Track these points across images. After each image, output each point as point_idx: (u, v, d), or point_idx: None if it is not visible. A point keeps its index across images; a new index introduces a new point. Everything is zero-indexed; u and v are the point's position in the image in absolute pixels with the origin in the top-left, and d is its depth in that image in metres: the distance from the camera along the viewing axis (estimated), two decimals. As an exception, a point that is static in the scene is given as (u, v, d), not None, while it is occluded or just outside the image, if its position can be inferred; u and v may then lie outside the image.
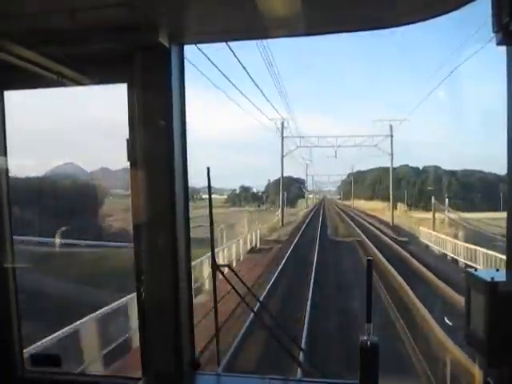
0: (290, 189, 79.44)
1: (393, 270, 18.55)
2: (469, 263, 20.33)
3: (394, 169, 62.01)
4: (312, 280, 17.37)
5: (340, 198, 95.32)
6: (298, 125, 53.13)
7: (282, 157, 54.20)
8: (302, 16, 2.14)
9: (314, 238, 31.04)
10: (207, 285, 14.50)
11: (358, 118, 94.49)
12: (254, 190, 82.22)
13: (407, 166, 71.53)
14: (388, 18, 2.18)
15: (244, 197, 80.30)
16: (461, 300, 11.25)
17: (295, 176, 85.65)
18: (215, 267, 2.40)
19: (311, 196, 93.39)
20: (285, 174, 79.64)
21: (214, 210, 2.53)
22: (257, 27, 2.30)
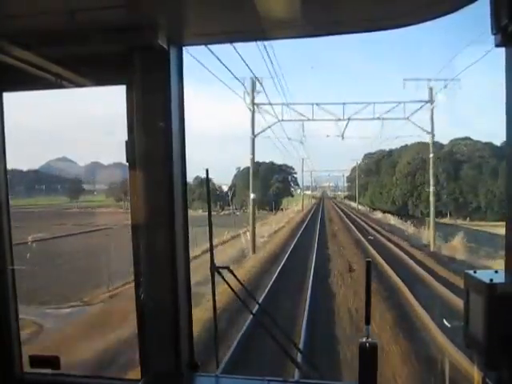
0: (271, 182, 56.91)
1: None
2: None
3: (441, 146, 41.08)
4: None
5: (347, 197, 66.13)
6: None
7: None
8: (302, 17, 2.14)
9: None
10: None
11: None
12: (217, 185, 52.83)
13: (469, 138, 43.61)
14: (388, 19, 2.18)
15: (199, 194, 46.05)
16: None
17: (279, 162, 58.59)
18: (214, 269, 2.40)
19: (309, 192, 67.60)
20: (266, 160, 55.90)
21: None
22: (256, 28, 2.29)
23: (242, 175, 56.29)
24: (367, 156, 53.63)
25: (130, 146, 2.38)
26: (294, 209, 55.35)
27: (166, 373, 2.42)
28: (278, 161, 59.34)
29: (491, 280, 1.75)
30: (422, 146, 42.28)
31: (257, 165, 58.26)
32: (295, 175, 60.24)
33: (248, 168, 59.32)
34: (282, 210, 54.77)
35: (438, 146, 41.91)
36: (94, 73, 2.41)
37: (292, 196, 60.72)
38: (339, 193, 75.40)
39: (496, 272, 1.85)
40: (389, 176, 48.16)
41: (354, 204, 59.46)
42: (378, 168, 50.65)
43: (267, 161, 58.29)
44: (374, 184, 52.16)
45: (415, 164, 44.90)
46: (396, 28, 2.24)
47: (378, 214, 47.08)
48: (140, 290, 2.41)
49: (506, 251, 1.96)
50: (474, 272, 1.85)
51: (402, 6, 2.07)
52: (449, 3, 1.99)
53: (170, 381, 2.46)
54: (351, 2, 2.08)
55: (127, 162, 2.39)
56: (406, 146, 47.41)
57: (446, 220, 41.29)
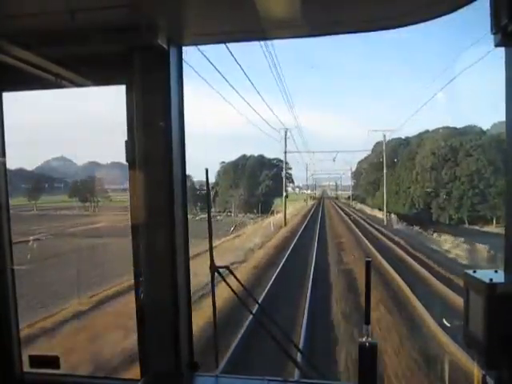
0: (260, 179, 47.28)
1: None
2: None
3: (481, 131, 32.12)
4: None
5: (354, 197, 51.74)
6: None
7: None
8: (302, 17, 2.14)
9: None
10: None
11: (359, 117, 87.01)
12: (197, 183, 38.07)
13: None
14: (388, 19, 2.18)
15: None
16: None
17: (270, 156, 48.69)
18: (213, 268, 2.40)
19: (307, 192, 57.86)
20: (255, 153, 47.42)
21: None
22: (256, 28, 2.29)
23: (225, 172, 47.33)
24: (379, 145, 39.32)
25: (129, 145, 2.38)
26: (272, 221, 34.08)
27: (165, 373, 2.42)
28: (270, 154, 48.35)
29: (491, 280, 1.75)
30: (448, 131, 31.86)
31: (243, 159, 48.04)
32: (290, 171, 48.11)
33: (233, 163, 48.05)
34: (272, 213, 42.31)
35: (474, 131, 32.64)
36: (94, 73, 2.41)
37: (287, 196, 46.67)
38: (340, 192, 65.30)
39: (496, 272, 1.85)
40: (407, 170, 35.97)
41: (368, 209, 42.81)
42: (392, 160, 37.65)
43: (256, 154, 48.39)
44: (387, 182, 38.67)
45: (442, 154, 32.95)
46: (396, 28, 2.24)
47: (448, 245, 24.22)
48: (140, 290, 2.41)
49: (505, 251, 1.96)
50: (474, 271, 1.85)
51: (402, 6, 2.07)
52: (448, 3, 1.99)
53: (170, 381, 2.46)
54: (351, 2, 2.09)
55: (127, 161, 2.40)
56: (428, 131, 35.57)
57: (493, 228, 31.01)
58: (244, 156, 49.27)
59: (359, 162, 48.77)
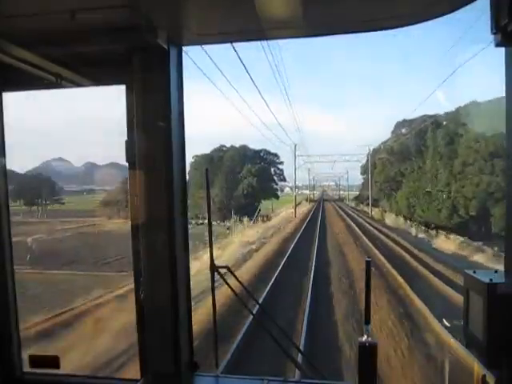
0: (240, 175, 37.34)
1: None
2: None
3: None
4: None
5: (369, 200, 35.80)
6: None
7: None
8: (302, 17, 2.14)
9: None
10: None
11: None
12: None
13: None
14: (388, 19, 2.19)
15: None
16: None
17: (257, 147, 38.61)
18: (213, 268, 2.40)
19: (307, 191, 49.32)
20: (236, 143, 35.62)
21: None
22: (255, 28, 2.29)
23: (196, 167, 35.78)
24: (400, 126, 29.12)
25: (129, 145, 2.39)
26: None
27: (165, 373, 2.42)
28: (256, 145, 37.86)
29: (491, 280, 1.76)
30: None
31: (219, 150, 36.44)
32: (280, 166, 39.48)
33: (206, 156, 34.45)
34: (255, 221, 31.97)
35: None
36: (94, 73, 2.42)
37: (277, 198, 39.07)
38: (342, 192, 56.06)
39: (496, 272, 1.86)
40: (444, 160, 25.25)
41: (413, 229, 27.98)
42: (419, 148, 27.40)
43: (237, 145, 38.04)
44: (413, 177, 28.85)
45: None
46: (396, 28, 2.24)
47: None
48: (140, 290, 2.42)
49: (505, 251, 1.96)
50: (474, 272, 1.86)
51: (403, 7, 2.08)
52: (448, 3, 2.00)
53: (170, 381, 2.46)
54: (351, 2, 2.09)
55: (127, 162, 2.40)
56: (476, 103, 24.33)
57: None
58: (221, 147, 38.44)
59: (373, 152, 35.99)
